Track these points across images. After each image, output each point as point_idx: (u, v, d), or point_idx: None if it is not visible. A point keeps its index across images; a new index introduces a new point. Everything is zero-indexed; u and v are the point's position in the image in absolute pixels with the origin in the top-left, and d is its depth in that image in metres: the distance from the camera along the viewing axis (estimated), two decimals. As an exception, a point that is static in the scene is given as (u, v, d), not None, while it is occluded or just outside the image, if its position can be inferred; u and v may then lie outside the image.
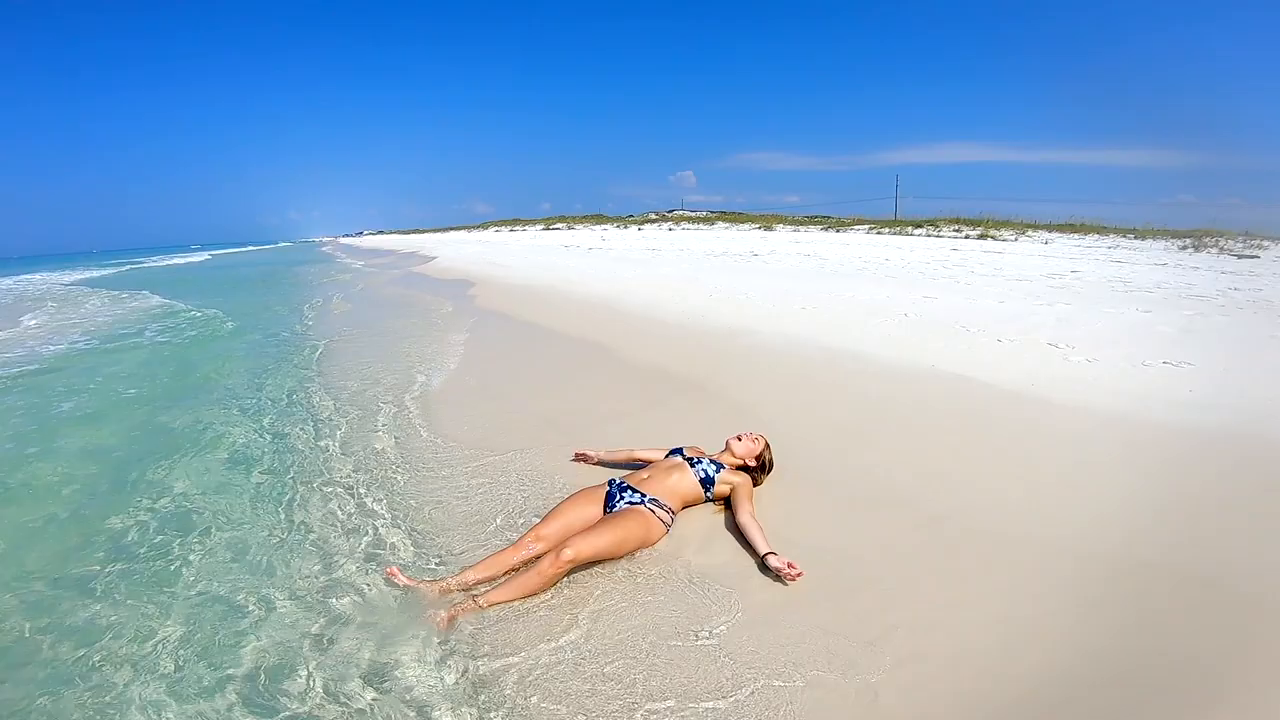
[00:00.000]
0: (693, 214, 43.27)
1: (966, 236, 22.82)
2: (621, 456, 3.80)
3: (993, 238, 22.45)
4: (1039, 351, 5.73)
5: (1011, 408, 4.52)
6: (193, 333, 10.30)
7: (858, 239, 21.28)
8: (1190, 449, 3.73)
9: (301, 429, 4.91)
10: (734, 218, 35.93)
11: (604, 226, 43.43)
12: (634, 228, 40.09)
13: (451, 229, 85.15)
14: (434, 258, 25.98)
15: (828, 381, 5.40)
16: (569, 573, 2.69)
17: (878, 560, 2.77)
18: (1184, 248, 14.47)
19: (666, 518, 3.03)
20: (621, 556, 2.84)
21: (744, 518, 2.99)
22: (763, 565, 2.72)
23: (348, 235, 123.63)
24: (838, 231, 26.35)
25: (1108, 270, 10.83)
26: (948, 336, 6.42)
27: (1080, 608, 2.42)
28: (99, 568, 2.98)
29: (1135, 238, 19.24)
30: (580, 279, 13.28)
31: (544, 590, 2.62)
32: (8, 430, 5.26)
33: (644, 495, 3.03)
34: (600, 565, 2.78)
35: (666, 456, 3.43)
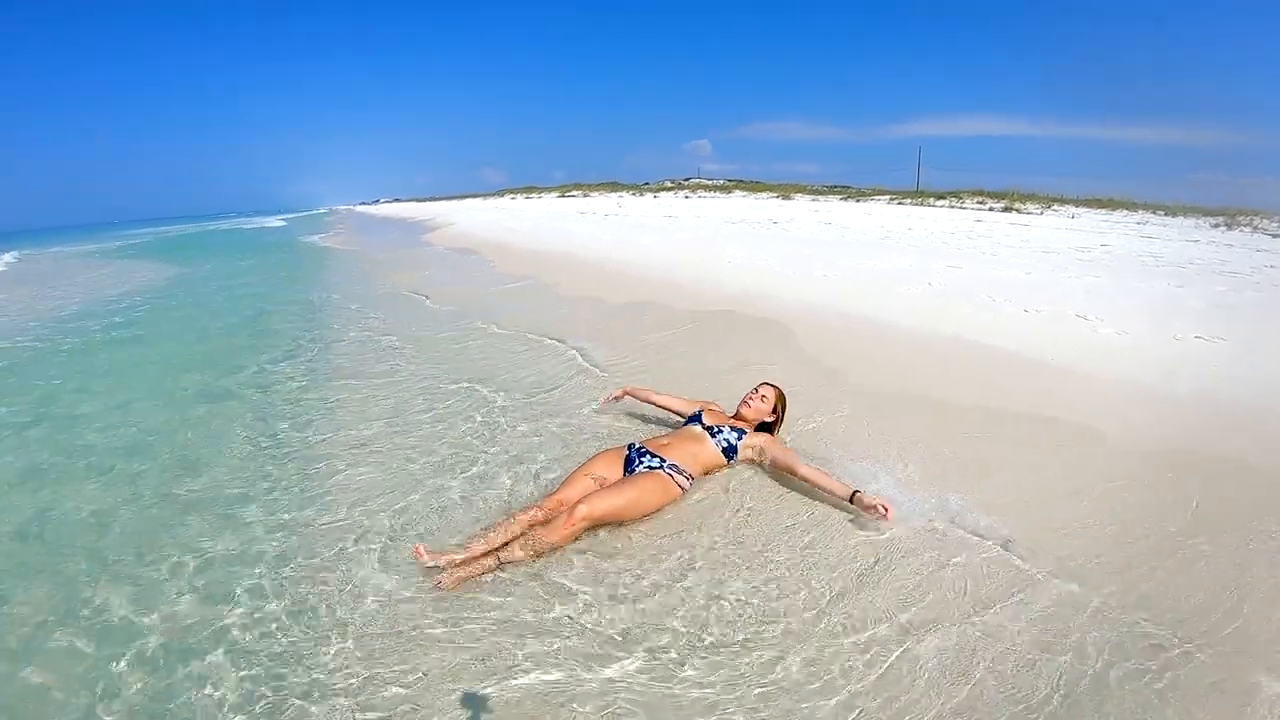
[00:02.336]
0: (710, 182, 42.71)
1: (990, 209, 22.36)
2: (644, 396, 3.86)
3: (1017, 210, 21.99)
4: (1067, 323, 5.62)
5: (1036, 376, 4.46)
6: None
7: (879, 209, 20.92)
8: (1220, 423, 3.65)
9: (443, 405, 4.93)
10: (752, 186, 35.42)
11: (620, 194, 42.96)
12: (650, 195, 39.64)
13: (466, 196, 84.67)
14: (452, 223, 25.88)
15: (852, 349, 5.34)
16: (584, 529, 2.67)
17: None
18: (1216, 225, 14.09)
19: (685, 483, 3.00)
20: (638, 518, 2.82)
21: (804, 470, 2.99)
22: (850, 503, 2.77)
23: (364, 204, 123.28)
24: (858, 201, 25.90)
25: (1138, 245, 10.57)
26: (973, 305, 6.32)
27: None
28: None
29: (1165, 214, 18.76)
30: (597, 245, 13.19)
31: (561, 547, 2.61)
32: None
33: (664, 460, 3.01)
34: (619, 526, 2.79)
35: (685, 424, 3.40)
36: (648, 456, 3.02)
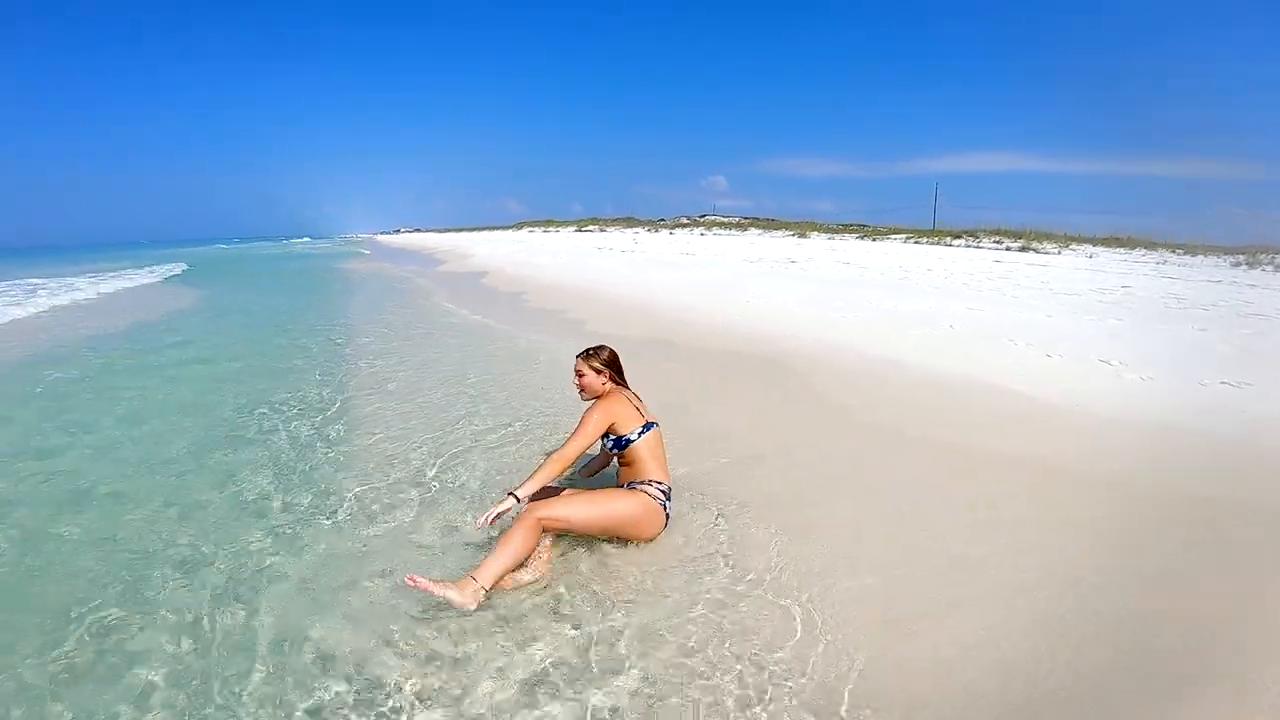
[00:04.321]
0: (725, 219, 43.22)
1: (1008, 248, 22.40)
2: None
3: (1035, 250, 22.01)
4: (1090, 367, 5.64)
5: (1058, 421, 4.47)
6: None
7: (896, 248, 21.04)
8: (1260, 471, 3.64)
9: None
10: (767, 224, 35.79)
11: (636, 230, 43.53)
12: (666, 232, 40.10)
13: (486, 228, 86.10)
14: (486, 270, 26.26)
15: (870, 389, 5.38)
16: (541, 531, 2.61)
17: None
18: (1237, 264, 14.02)
19: (653, 491, 2.80)
20: (610, 532, 2.77)
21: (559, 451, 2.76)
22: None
23: (384, 233, 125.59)
24: (874, 240, 26.07)
25: (1159, 286, 10.56)
26: (994, 349, 6.35)
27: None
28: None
29: (1185, 253, 18.69)
30: (618, 281, 13.39)
31: (527, 553, 2.55)
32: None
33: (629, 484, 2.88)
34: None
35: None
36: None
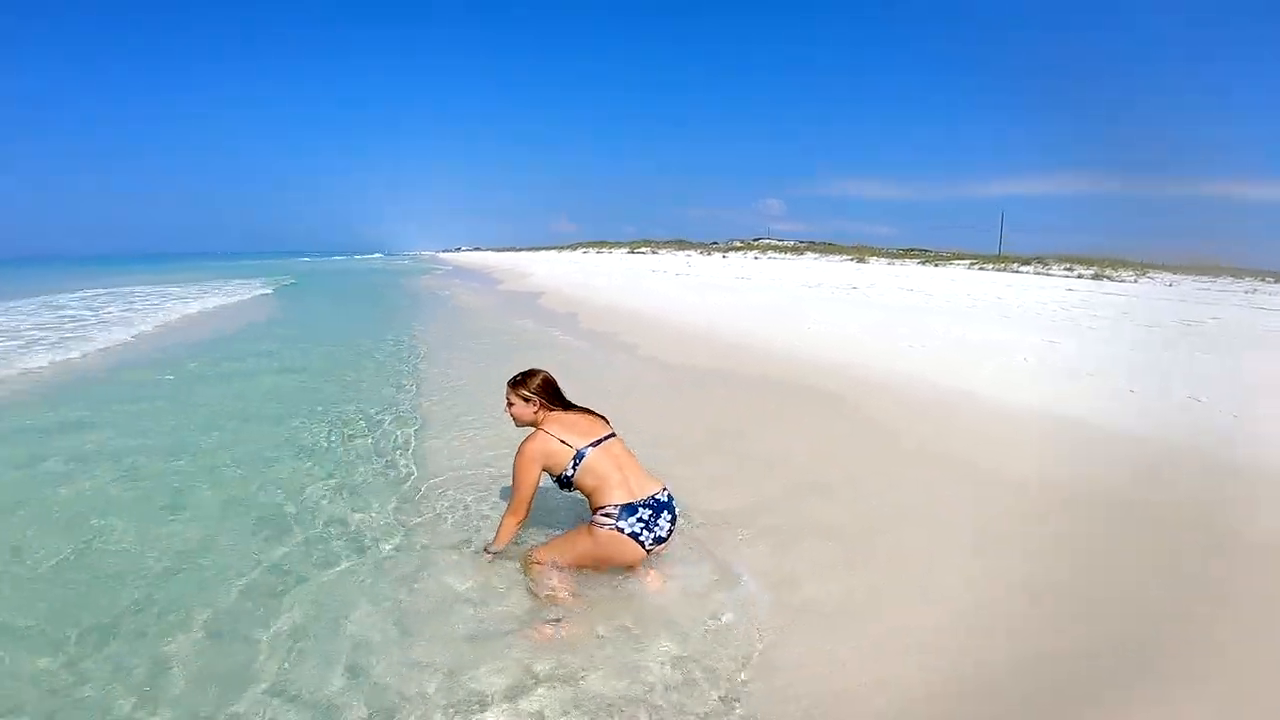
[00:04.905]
0: (780, 243, 43.01)
1: (1080, 276, 21.58)
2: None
3: (1109, 278, 21.14)
4: (1176, 405, 5.34)
5: (1144, 459, 4.24)
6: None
7: (961, 274, 20.51)
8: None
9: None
10: (825, 248, 35.43)
11: (688, 253, 43.72)
12: (718, 254, 40.17)
13: (542, 248, 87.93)
14: (530, 273, 26.85)
15: (942, 420, 5.22)
16: (533, 570, 2.64)
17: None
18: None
19: (600, 519, 2.60)
20: (565, 563, 2.65)
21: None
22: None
23: (446, 250, 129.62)
24: (936, 266, 25.47)
25: (1251, 317, 9.95)
26: (1073, 384, 6.09)
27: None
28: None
29: (1275, 281, 17.60)
30: (672, 305, 13.43)
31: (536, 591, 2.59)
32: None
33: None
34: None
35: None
36: None
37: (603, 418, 2.85)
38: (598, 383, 6.66)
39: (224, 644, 2.42)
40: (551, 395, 2.80)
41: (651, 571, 2.72)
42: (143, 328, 11.47)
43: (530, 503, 2.72)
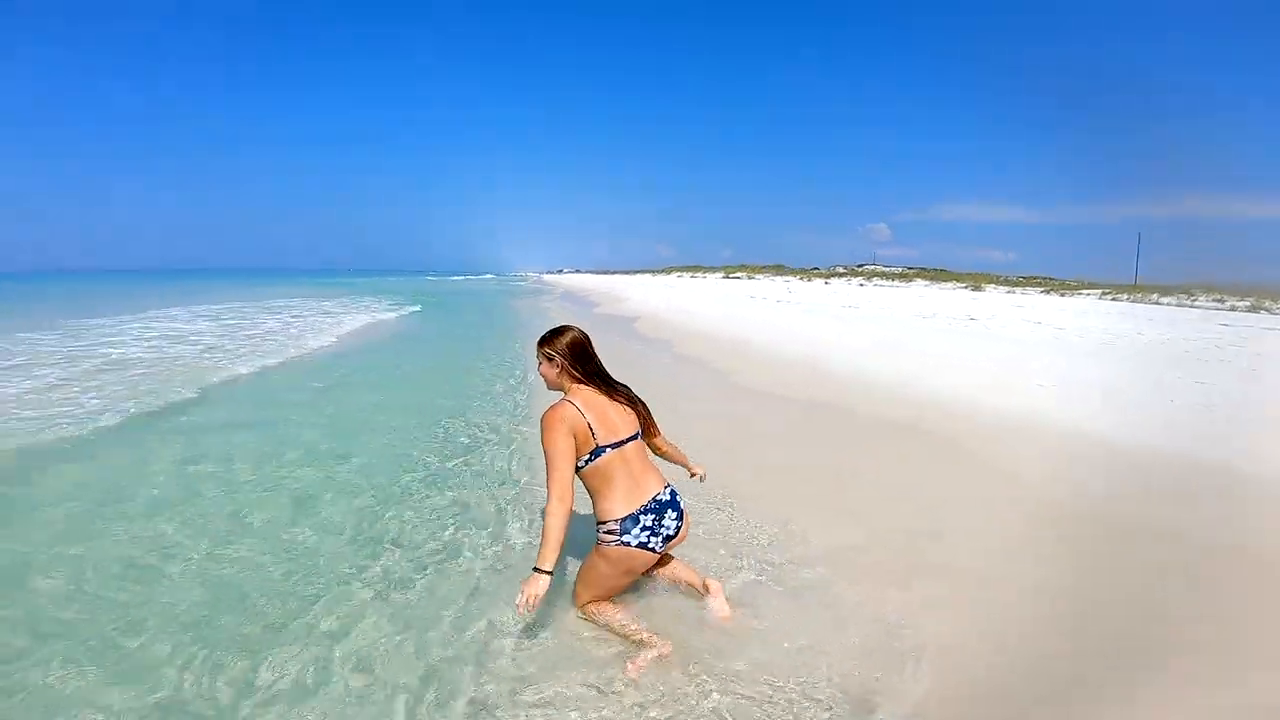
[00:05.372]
0: (887, 269, 41.39)
1: (1233, 308, 19.39)
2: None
3: (1267, 310, 18.93)
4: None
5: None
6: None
7: (1091, 305, 18.93)
8: None
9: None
10: (935, 275, 33.80)
11: (787, 278, 43.01)
12: (820, 281, 39.19)
13: (637, 272, 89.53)
14: (627, 298, 27.23)
15: (1070, 468, 4.71)
16: (588, 614, 2.61)
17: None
18: None
19: (603, 536, 2.53)
20: (602, 593, 2.61)
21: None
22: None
23: (549, 272, 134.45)
24: (1062, 295, 23.65)
25: None
26: (1232, 428, 5.37)
27: None
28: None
29: None
30: (772, 332, 13.14)
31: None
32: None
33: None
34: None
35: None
36: None
37: (635, 407, 2.66)
38: (689, 406, 6.58)
39: (301, 651, 2.51)
40: (578, 358, 2.58)
41: (718, 598, 2.67)
42: (325, 340, 12.79)
43: (572, 482, 2.39)
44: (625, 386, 2.69)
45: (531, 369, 3.54)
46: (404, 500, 4.09)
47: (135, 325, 14.68)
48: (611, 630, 2.53)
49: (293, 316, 18.05)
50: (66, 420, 5.98)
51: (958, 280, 29.06)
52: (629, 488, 2.50)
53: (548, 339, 2.61)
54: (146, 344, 11.60)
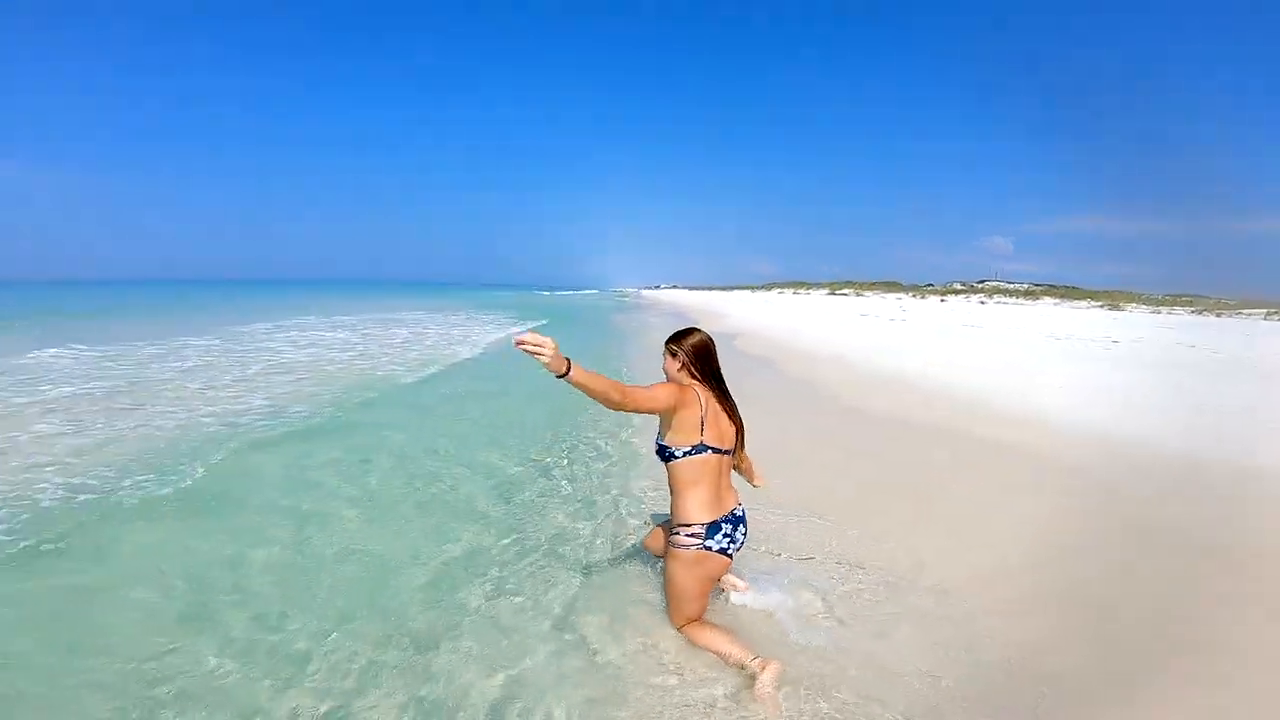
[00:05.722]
0: (1010, 286, 38.62)
1: None
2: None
3: None
4: None
5: None
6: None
7: (1253, 327, 16.76)
8: None
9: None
10: (1065, 292, 31.20)
11: (898, 295, 41.13)
12: (935, 298, 37.19)
13: (736, 288, 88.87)
14: (727, 314, 26.89)
15: (1237, 513, 4.09)
16: (691, 636, 2.62)
17: None
18: None
19: (683, 540, 2.58)
20: (692, 605, 2.64)
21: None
22: None
23: (648, 288, 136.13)
24: (1218, 315, 21.12)
25: None
26: None
27: None
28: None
29: None
30: (888, 353, 12.52)
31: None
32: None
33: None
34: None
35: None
36: None
37: (736, 422, 2.71)
38: (795, 426, 6.37)
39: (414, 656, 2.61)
40: (700, 358, 2.67)
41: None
42: (471, 350, 13.65)
43: (635, 399, 2.39)
44: (734, 401, 2.76)
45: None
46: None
47: (280, 333, 16.14)
48: (715, 650, 2.54)
49: (423, 329, 19.12)
50: (252, 417, 6.70)
51: (1091, 298, 26.65)
52: (714, 496, 2.58)
53: (676, 338, 2.71)
54: (300, 349, 12.84)
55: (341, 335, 16.01)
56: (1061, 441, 5.85)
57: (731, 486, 2.70)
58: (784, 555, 3.50)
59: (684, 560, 2.57)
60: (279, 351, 12.51)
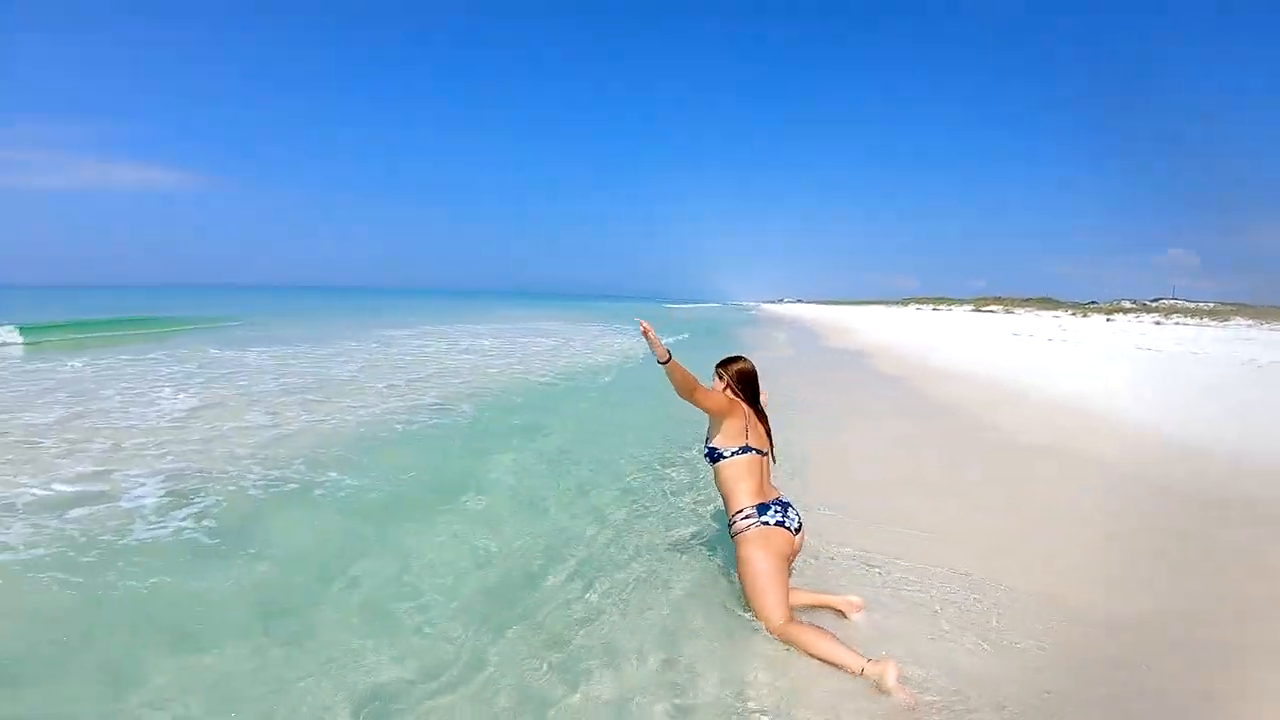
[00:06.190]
0: (1190, 304, 33.93)
1: None
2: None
3: None
4: None
5: None
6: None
7: None
8: None
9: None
10: (1261, 312, 26.96)
11: (1055, 313, 37.46)
12: (1099, 317, 33.49)
13: (870, 303, 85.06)
14: (854, 329, 25.82)
15: None
16: (789, 635, 2.68)
17: None
18: None
19: (741, 524, 2.89)
20: (774, 589, 2.77)
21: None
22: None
23: (769, 301, 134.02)
24: None
25: None
26: None
27: None
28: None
29: None
30: (1043, 377, 11.41)
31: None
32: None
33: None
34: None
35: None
36: None
37: (769, 433, 3.14)
38: (948, 461, 5.98)
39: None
40: (743, 384, 3.13)
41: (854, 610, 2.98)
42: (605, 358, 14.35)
43: (702, 396, 2.89)
44: (765, 414, 3.20)
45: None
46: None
47: (430, 339, 17.59)
48: (816, 654, 2.56)
49: (562, 338, 19.92)
50: (429, 414, 7.47)
51: (1303, 320, 22.78)
52: (758, 487, 2.94)
53: (724, 363, 3.21)
54: (459, 355, 14.08)
55: (485, 343, 17.16)
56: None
57: (772, 483, 3.07)
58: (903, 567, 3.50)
59: (750, 539, 2.82)
60: (439, 355, 13.78)
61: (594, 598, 3.13)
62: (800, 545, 2.97)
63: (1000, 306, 43.09)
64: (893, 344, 19.59)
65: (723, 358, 3.24)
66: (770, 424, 3.17)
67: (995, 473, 5.61)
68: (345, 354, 13.13)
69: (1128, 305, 36.86)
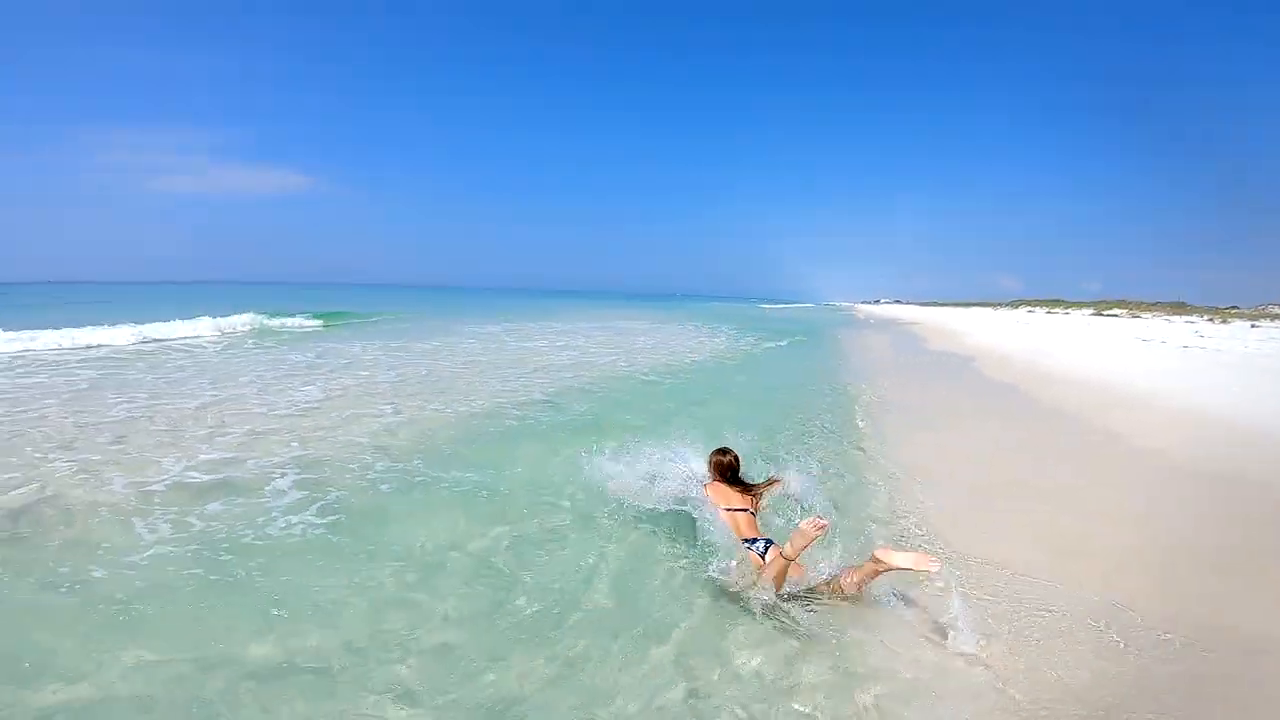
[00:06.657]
0: (1359, 310, 30.09)
1: None
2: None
3: None
4: None
5: None
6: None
7: None
8: None
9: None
10: None
11: (1190, 318, 34.25)
12: (1241, 323, 30.34)
13: (973, 304, 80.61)
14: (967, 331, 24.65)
15: None
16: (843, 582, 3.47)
17: None
18: None
19: (743, 548, 3.71)
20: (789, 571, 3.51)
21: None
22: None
23: (865, 302, 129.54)
24: None
25: None
26: None
27: None
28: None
29: None
30: (1183, 389, 10.65)
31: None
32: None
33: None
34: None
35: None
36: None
37: (752, 494, 4.06)
38: (1060, 475, 5.72)
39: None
40: (719, 471, 4.16)
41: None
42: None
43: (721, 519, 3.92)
44: (745, 484, 4.15)
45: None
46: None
47: (529, 336, 18.48)
48: (811, 589, 3.50)
49: (658, 339, 19.94)
50: (540, 408, 8.01)
51: None
52: (751, 528, 3.82)
53: (714, 452, 4.26)
54: (560, 351, 14.76)
55: (580, 341, 17.59)
56: None
57: (757, 530, 3.84)
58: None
59: (754, 562, 3.60)
60: (543, 351, 14.43)
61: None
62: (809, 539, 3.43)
63: (1124, 310, 39.89)
64: (1002, 348, 18.52)
65: (717, 447, 4.29)
66: (746, 485, 4.10)
67: (1161, 505, 5.21)
68: (448, 348, 14.28)
69: (1276, 309, 33.17)
